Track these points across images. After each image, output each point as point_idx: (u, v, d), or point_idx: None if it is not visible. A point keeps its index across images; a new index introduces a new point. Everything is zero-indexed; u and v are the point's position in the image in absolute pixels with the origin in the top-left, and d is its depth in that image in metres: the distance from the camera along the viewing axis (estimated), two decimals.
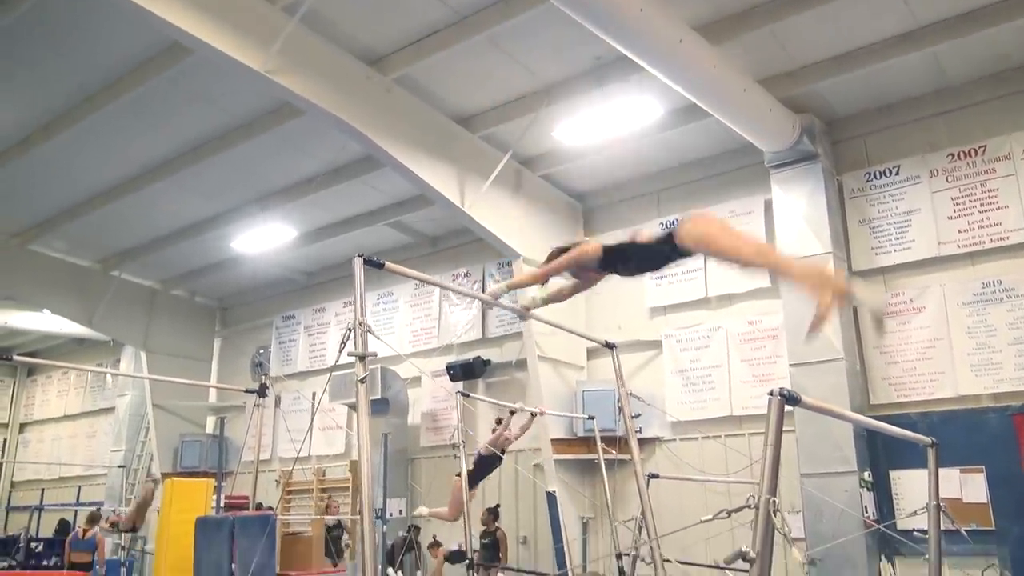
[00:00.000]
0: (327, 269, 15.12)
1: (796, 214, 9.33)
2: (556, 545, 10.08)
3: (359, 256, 4.06)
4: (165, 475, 14.28)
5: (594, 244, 4.67)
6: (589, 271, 4.81)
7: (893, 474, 8.74)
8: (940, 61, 8.74)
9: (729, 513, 3.22)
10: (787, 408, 2.79)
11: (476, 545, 10.31)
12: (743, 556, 2.53)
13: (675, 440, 10.52)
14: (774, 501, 2.55)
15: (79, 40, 8.60)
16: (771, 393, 2.72)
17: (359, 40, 8.48)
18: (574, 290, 5.07)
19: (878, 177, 9.63)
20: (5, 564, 13.23)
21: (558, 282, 5.10)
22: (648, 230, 4.81)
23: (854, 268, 9.54)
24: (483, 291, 12.62)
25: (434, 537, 11.43)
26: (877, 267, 9.48)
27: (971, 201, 9.00)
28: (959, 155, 9.14)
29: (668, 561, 5.59)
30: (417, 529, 11.95)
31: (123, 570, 12.07)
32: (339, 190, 11.56)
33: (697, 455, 10.15)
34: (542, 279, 4.90)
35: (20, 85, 9.46)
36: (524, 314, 5.53)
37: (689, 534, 7.34)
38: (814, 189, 9.29)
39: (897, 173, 9.51)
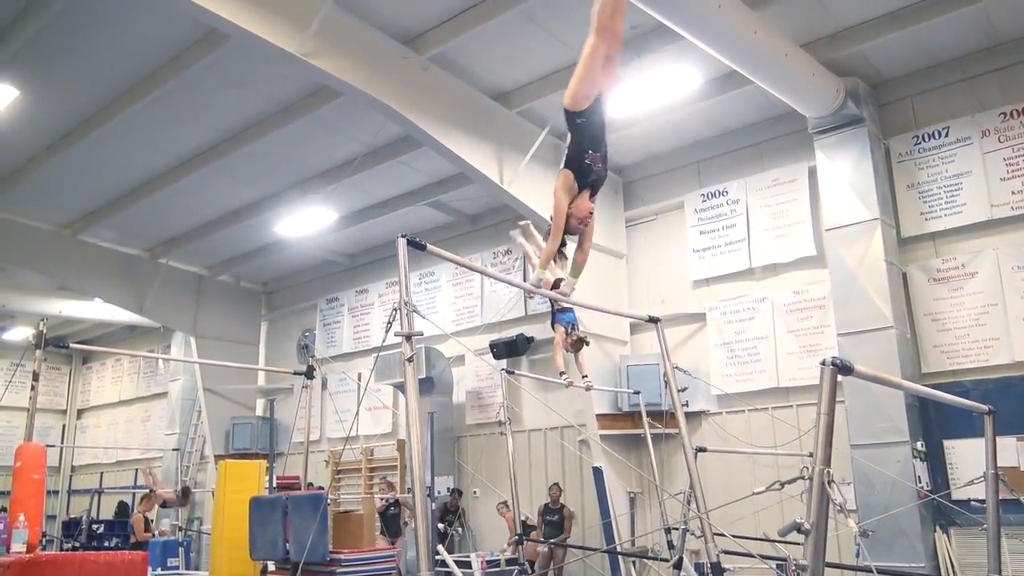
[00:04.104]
0: (369, 251, 15.23)
1: (842, 181, 9.13)
2: (604, 520, 10.10)
3: (402, 236, 4.07)
4: (218, 457, 14.59)
5: (561, 176, 4.60)
6: (579, 208, 4.65)
7: (947, 444, 8.59)
8: (990, 16, 8.44)
9: (783, 484, 3.18)
10: (839, 378, 2.74)
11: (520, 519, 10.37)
12: (798, 528, 2.49)
13: (721, 413, 10.44)
14: (828, 472, 2.50)
15: (117, 32, 8.72)
16: (823, 362, 2.67)
17: (394, 20, 8.45)
18: (582, 248, 4.99)
19: (926, 140, 9.37)
20: (69, 545, 13.70)
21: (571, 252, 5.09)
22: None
23: (903, 234, 9.33)
24: (524, 269, 12.66)
25: (506, 503, 11.46)
26: (927, 232, 9.25)
27: None
28: (1012, 114, 8.84)
29: (721, 535, 5.54)
30: (459, 492, 12.04)
31: (181, 549, 12.38)
32: (378, 171, 11.60)
33: (744, 428, 10.08)
34: (557, 240, 4.76)
35: (62, 80, 9.62)
36: (562, 300, 5.53)
37: (739, 507, 7.31)
38: (860, 154, 9.07)
39: (946, 135, 9.24)
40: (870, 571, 6.60)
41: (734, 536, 6.31)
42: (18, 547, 5.11)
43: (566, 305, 7.12)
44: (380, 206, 13.18)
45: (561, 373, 7.64)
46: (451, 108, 9.21)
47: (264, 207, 13.07)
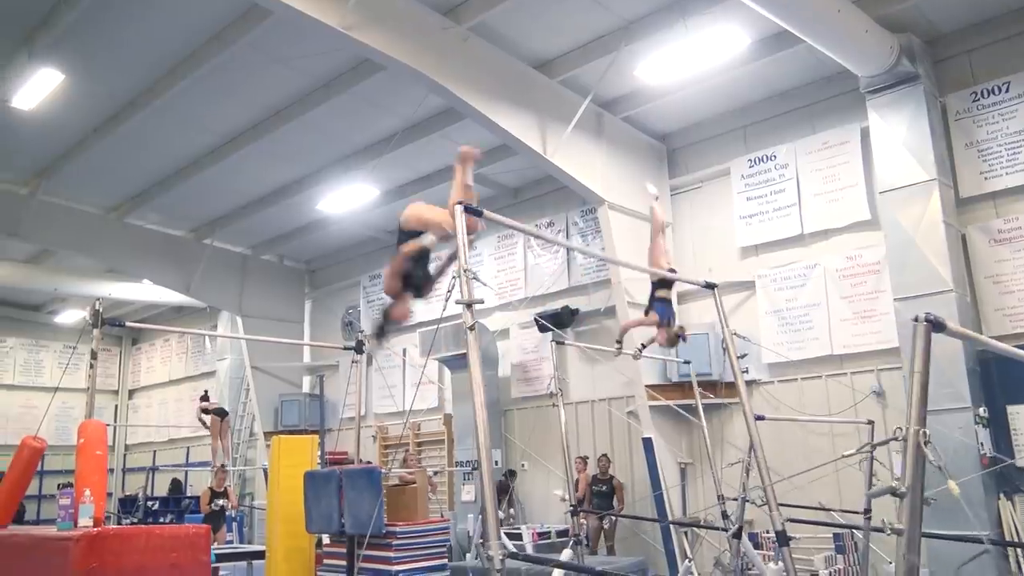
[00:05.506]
0: None
1: (896, 141, 8.84)
2: (655, 492, 10.03)
3: (458, 203, 4.02)
4: (268, 434, 14.78)
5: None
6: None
7: (1011, 409, 8.35)
8: None
9: (874, 447, 3.07)
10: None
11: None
12: (893, 491, 2.39)
13: (772, 382, 10.28)
14: (924, 432, 2.39)
15: (158, 12, 8.71)
16: (915, 319, 2.55)
17: None
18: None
19: (985, 96, 9.03)
20: (127, 521, 14.01)
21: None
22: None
23: (961, 195, 9.03)
24: (567, 237, 12.53)
25: (584, 459, 11.39)
26: (987, 192, 8.94)
27: None
28: None
29: (797, 506, 5.43)
30: (513, 474, 12.05)
31: (235, 524, 12.60)
32: (419, 146, 11.52)
33: (796, 397, 9.91)
34: None
35: (106, 63, 9.67)
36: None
37: (794, 477, 7.21)
38: (915, 113, 8.76)
39: (1007, 90, 8.89)
40: (979, 541, 6.29)
41: (815, 506, 6.19)
42: (85, 521, 5.18)
43: (664, 297, 7.36)
44: (422, 181, 13.10)
45: (618, 342, 7.69)
46: (492, 78, 9.10)
47: (306, 185, 13.09)
